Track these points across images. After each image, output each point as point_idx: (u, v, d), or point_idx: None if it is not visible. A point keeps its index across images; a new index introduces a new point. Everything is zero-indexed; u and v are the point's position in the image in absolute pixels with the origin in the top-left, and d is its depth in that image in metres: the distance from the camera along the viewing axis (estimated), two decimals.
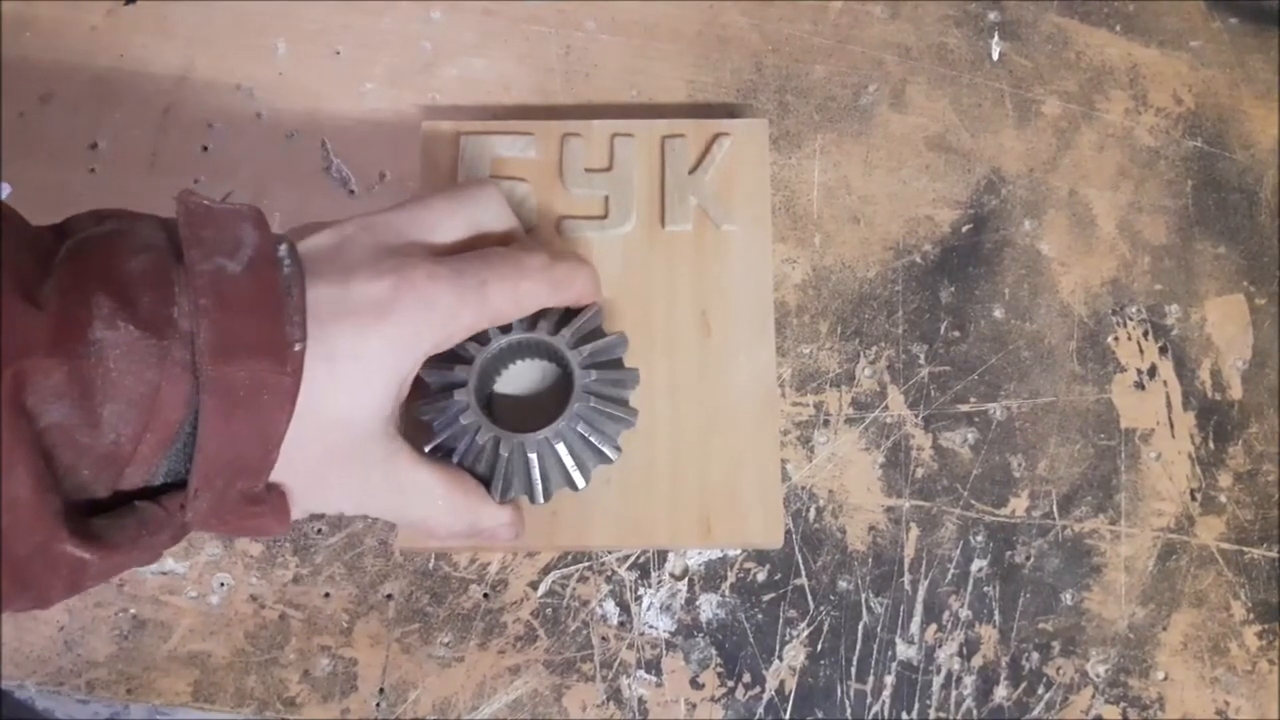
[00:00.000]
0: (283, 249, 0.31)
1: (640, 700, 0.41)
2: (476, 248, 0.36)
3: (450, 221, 0.36)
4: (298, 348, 0.29)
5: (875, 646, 0.42)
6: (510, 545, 0.40)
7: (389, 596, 0.42)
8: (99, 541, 0.28)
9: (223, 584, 0.41)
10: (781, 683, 0.41)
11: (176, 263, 0.29)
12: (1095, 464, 0.44)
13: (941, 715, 0.41)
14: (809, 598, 0.42)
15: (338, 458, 0.32)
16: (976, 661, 0.42)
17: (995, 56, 0.50)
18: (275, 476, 0.31)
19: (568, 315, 0.41)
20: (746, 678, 0.41)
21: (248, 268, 0.29)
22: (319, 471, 0.32)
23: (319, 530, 0.42)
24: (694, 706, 0.41)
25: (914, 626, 0.42)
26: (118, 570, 0.30)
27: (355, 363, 0.31)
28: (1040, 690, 0.42)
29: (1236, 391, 0.46)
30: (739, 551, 0.42)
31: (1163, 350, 0.46)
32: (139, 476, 0.29)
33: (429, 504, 0.35)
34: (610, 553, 0.42)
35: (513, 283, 0.35)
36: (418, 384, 0.41)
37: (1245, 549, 0.44)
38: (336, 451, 0.32)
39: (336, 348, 0.31)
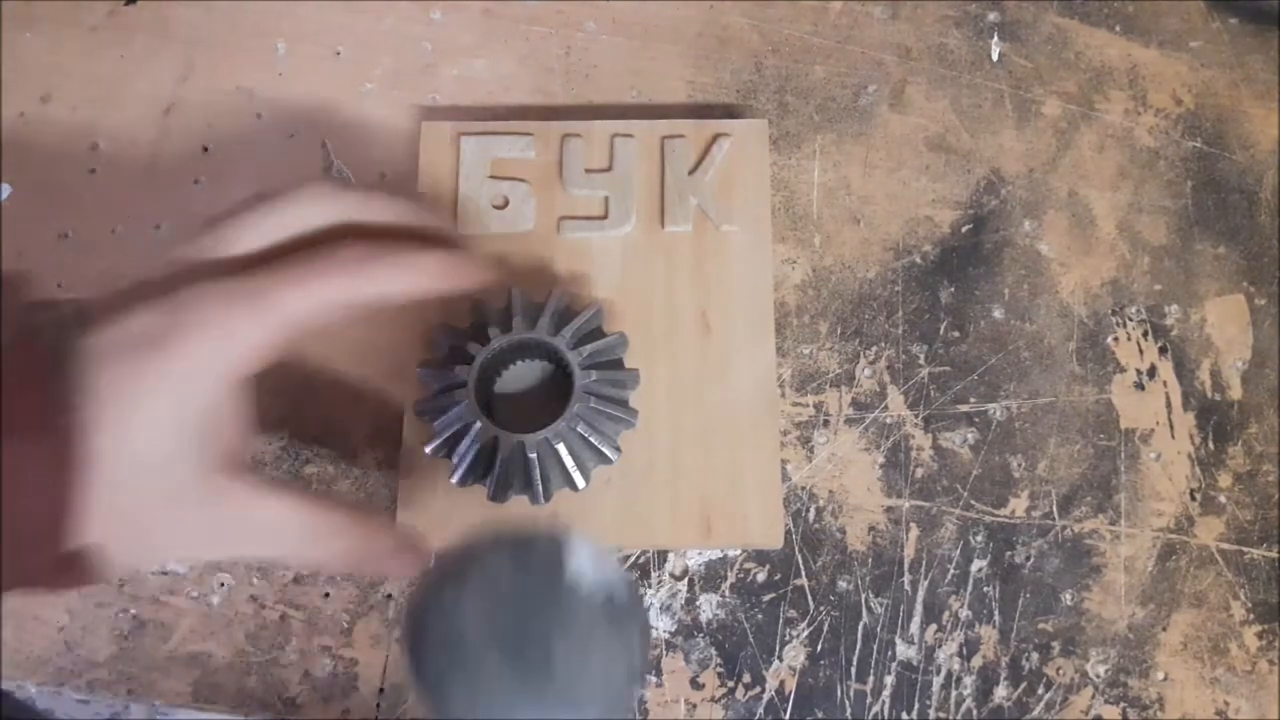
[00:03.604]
0: (52, 320, 0.30)
1: (640, 700, 0.41)
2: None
3: (248, 234, 0.33)
4: (70, 421, 0.28)
5: (875, 647, 0.42)
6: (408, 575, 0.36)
7: (389, 596, 0.42)
8: None
9: (223, 584, 0.41)
10: (781, 683, 0.41)
11: None
12: (1095, 464, 0.44)
13: (941, 715, 0.41)
14: (809, 598, 0.42)
15: (151, 503, 0.30)
16: (976, 662, 0.42)
17: (995, 57, 0.50)
18: (91, 535, 0.30)
19: (568, 316, 0.41)
20: (746, 678, 0.41)
21: (12, 344, 0.28)
22: (138, 522, 0.30)
23: None
24: (694, 707, 0.41)
25: (914, 627, 0.42)
26: None
27: (136, 400, 0.29)
28: (1040, 690, 0.42)
29: (1236, 392, 0.46)
30: (739, 552, 0.42)
31: (1162, 351, 0.46)
32: None
33: (281, 541, 0.32)
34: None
35: (300, 284, 0.31)
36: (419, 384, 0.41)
37: (1245, 549, 0.44)
38: (148, 496, 0.30)
39: (120, 389, 0.29)
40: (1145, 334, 0.46)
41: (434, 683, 0.24)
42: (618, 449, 0.40)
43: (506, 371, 0.42)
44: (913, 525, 0.43)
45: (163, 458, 0.30)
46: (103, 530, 0.30)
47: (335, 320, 0.33)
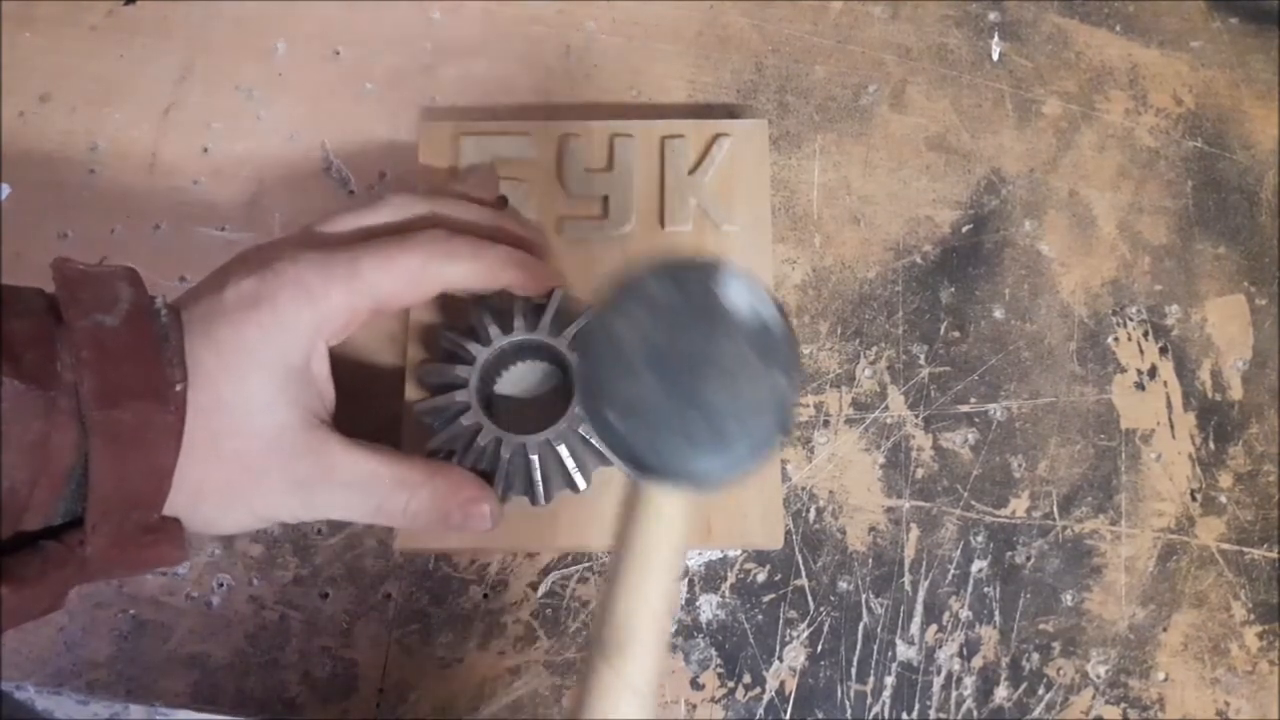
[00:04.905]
0: (158, 301, 0.33)
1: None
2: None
3: (337, 225, 0.36)
4: (179, 387, 0.31)
5: (875, 647, 0.42)
6: (487, 534, 0.38)
7: (389, 597, 0.41)
8: (9, 577, 0.29)
9: (222, 585, 0.41)
10: (782, 683, 0.41)
11: (57, 324, 0.31)
12: (1095, 464, 0.44)
13: (942, 716, 0.41)
14: (809, 598, 0.42)
15: (254, 454, 0.33)
16: (977, 662, 0.42)
17: (995, 57, 0.50)
18: (199, 493, 0.32)
19: (569, 317, 0.41)
20: (747, 678, 0.41)
21: (125, 320, 0.31)
22: (240, 469, 0.33)
23: (319, 531, 0.42)
24: (694, 707, 0.41)
25: (914, 627, 0.42)
26: (29, 608, 0.30)
27: (238, 354, 0.32)
28: (1041, 691, 0.42)
29: (1237, 392, 0.46)
30: (739, 552, 0.42)
31: (1163, 351, 0.46)
32: (38, 519, 0.30)
33: (375, 490, 0.34)
34: (610, 553, 0.42)
35: (387, 258, 0.35)
36: (421, 385, 0.41)
37: (1245, 549, 0.44)
38: (252, 441, 0.33)
39: (221, 346, 0.32)
40: (1146, 334, 0.46)
41: (595, 398, 0.24)
42: None
43: (507, 372, 0.42)
44: (913, 526, 0.43)
45: (266, 404, 0.33)
46: (201, 483, 0.32)
47: (413, 303, 0.36)
